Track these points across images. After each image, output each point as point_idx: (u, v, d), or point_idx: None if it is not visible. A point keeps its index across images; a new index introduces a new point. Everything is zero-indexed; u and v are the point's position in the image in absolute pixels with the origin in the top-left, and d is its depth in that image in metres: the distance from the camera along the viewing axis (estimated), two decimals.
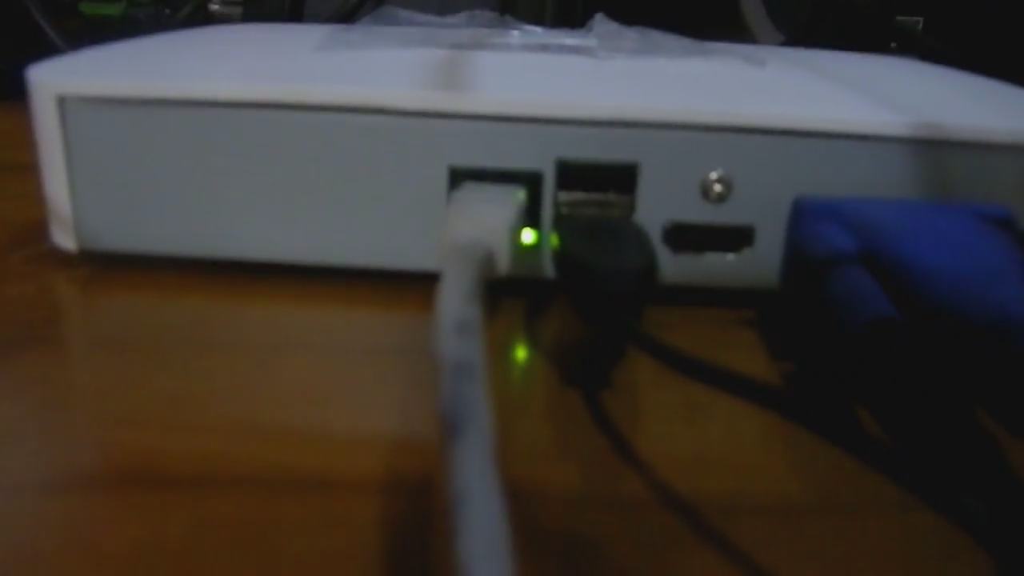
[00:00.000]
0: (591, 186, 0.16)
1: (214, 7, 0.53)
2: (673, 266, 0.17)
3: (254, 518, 0.10)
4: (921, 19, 0.53)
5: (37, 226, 0.18)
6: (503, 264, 0.13)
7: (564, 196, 0.16)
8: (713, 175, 0.16)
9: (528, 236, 0.16)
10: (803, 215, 0.15)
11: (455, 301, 0.10)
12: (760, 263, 0.16)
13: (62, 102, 0.16)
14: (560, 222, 0.16)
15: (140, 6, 0.53)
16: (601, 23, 0.25)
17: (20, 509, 0.10)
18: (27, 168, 0.17)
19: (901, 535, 0.10)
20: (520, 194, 0.16)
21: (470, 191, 0.15)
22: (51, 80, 0.16)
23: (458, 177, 0.16)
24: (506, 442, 0.12)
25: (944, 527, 0.11)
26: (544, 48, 0.22)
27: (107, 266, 0.17)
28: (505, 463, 0.11)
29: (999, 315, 0.11)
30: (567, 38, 0.23)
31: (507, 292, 0.16)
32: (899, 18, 0.51)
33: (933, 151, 0.16)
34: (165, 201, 0.16)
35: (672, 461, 0.12)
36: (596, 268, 0.14)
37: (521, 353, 0.15)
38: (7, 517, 0.10)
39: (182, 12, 0.38)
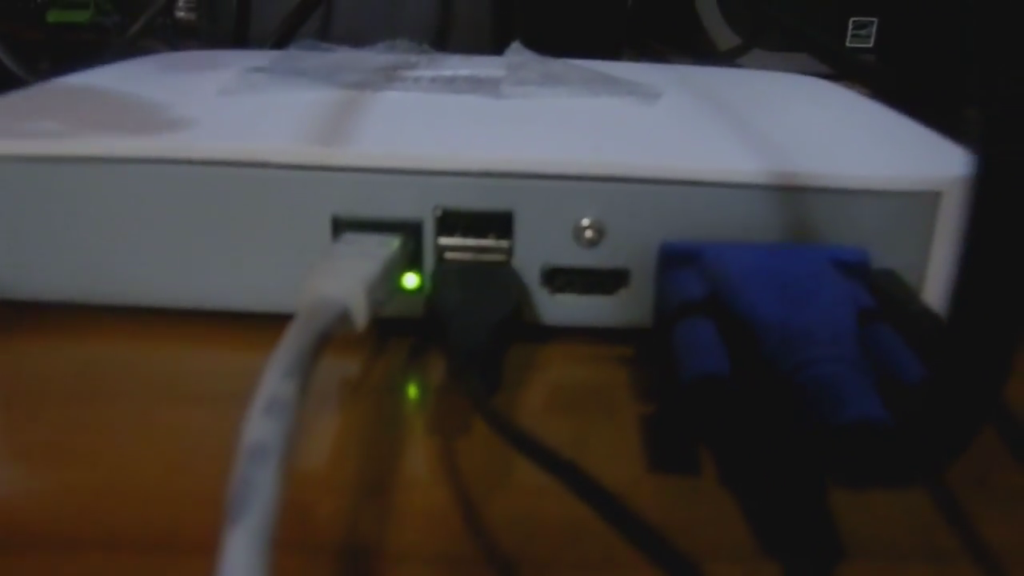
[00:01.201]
0: (470, 232, 0.17)
1: (180, 15, 0.53)
2: (552, 307, 0.17)
3: None
4: (875, 20, 0.54)
5: None
6: (360, 319, 0.14)
7: (445, 241, 0.17)
8: (585, 221, 0.16)
9: (412, 280, 0.17)
10: (667, 259, 0.16)
11: (275, 374, 0.11)
12: (636, 303, 0.17)
13: None
14: (437, 268, 0.17)
15: (106, 14, 0.54)
16: (515, 52, 0.25)
17: None
18: None
19: None
20: (395, 243, 0.16)
21: (347, 244, 0.16)
22: None
23: (340, 226, 0.17)
24: (358, 485, 0.13)
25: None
26: (450, 82, 0.22)
27: (10, 312, 0.18)
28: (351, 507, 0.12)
29: (808, 376, 0.12)
30: (478, 67, 0.24)
31: (396, 333, 0.17)
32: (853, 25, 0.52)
33: (794, 196, 0.16)
34: (61, 250, 0.17)
35: (500, 513, 0.12)
36: (453, 323, 0.14)
37: (391, 398, 0.16)
38: None
39: (133, 30, 0.39)
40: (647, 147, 0.17)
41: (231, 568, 0.08)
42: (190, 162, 0.16)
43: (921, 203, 0.16)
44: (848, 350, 0.13)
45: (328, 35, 0.36)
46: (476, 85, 0.22)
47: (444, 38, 0.36)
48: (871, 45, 0.53)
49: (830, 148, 0.18)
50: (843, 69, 0.34)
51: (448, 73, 0.23)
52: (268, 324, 0.17)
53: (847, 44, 0.52)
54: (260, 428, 0.10)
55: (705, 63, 0.50)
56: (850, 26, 0.53)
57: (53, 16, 0.52)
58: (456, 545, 0.12)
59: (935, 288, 0.17)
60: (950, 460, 0.10)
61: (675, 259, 0.16)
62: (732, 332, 0.14)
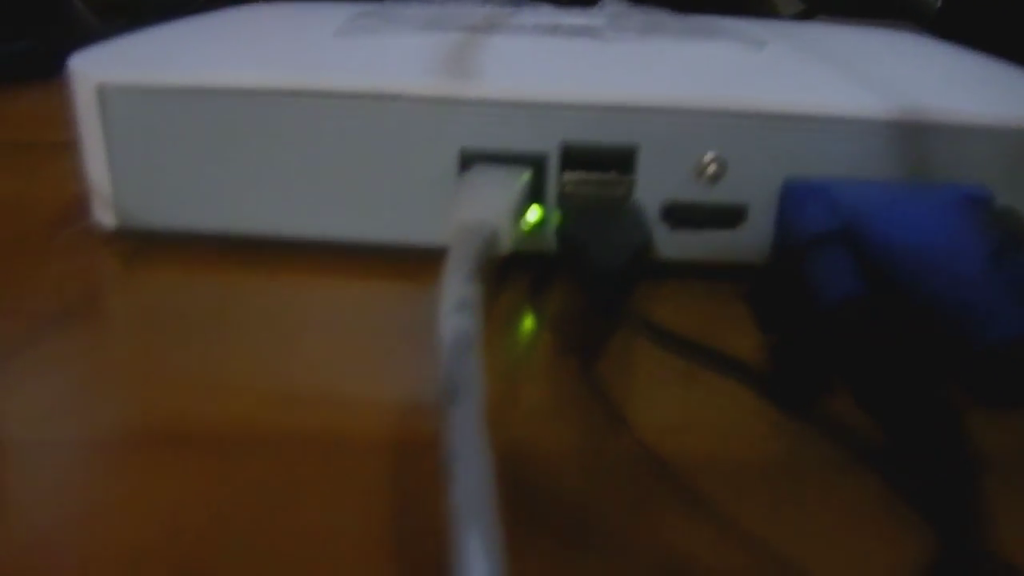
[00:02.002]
0: (593, 167, 0.17)
1: None
2: (670, 243, 0.18)
3: (277, 476, 0.11)
4: None
5: (79, 204, 0.19)
6: (506, 243, 0.15)
7: (568, 176, 0.17)
8: (708, 157, 0.17)
9: (533, 214, 0.18)
10: (792, 195, 0.16)
11: (456, 281, 0.11)
12: (753, 239, 0.17)
13: (102, 91, 0.17)
14: (563, 200, 0.17)
15: None
16: (611, 2, 0.25)
17: (74, 462, 0.12)
18: (63, 146, 0.19)
19: (865, 497, 0.12)
20: (525, 176, 0.17)
21: (478, 173, 0.16)
22: (91, 70, 0.17)
23: (468, 159, 0.17)
24: (504, 406, 0.13)
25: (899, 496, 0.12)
26: (554, 29, 0.23)
27: (144, 242, 0.18)
28: (502, 425, 0.12)
29: (954, 297, 0.12)
30: (577, 18, 0.24)
31: (514, 267, 0.18)
32: None
33: (917, 134, 0.16)
34: (198, 182, 0.18)
35: (658, 426, 0.13)
36: (592, 247, 0.15)
37: (524, 324, 0.16)
38: (63, 467, 0.11)
39: None
40: (768, 85, 0.18)
41: (458, 441, 0.09)
42: (325, 95, 0.17)
43: None
44: (988, 275, 0.13)
45: None
46: (580, 31, 0.22)
47: None
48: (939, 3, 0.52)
49: (948, 89, 0.18)
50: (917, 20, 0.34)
51: (549, 21, 0.23)
52: (393, 256, 0.18)
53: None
54: (456, 323, 0.10)
55: None
56: None
57: None
58: (613, 448, 0.12)
59: None
60: None
61: (799, 194, 0.16)
62: (867, 261, 0.14)
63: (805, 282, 0.14)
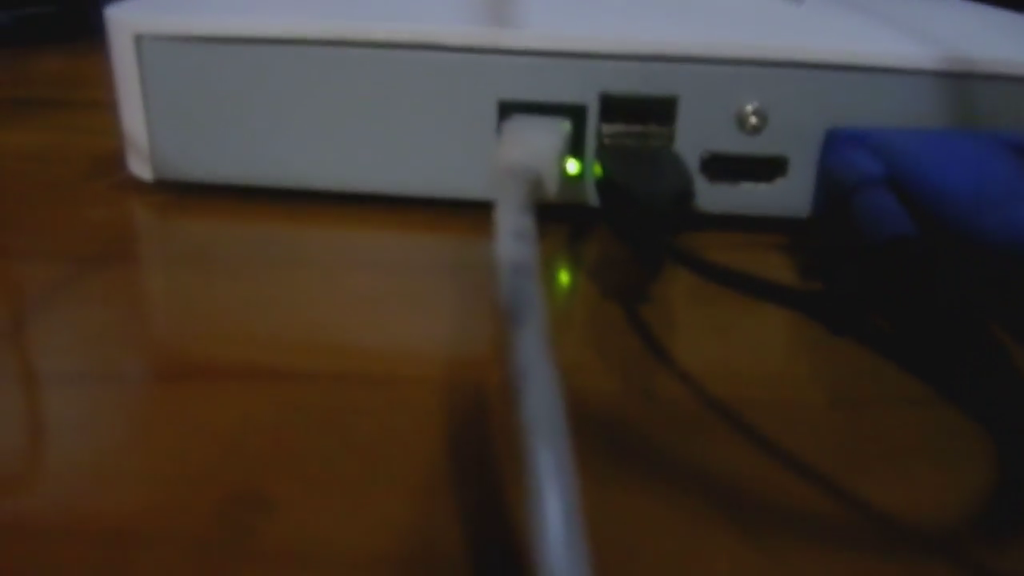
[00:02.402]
0: (632, 118, 0.17)
1: None
2: (709, 195, 0.17)
3: (329, 403, 0.11)
4: None
5: (114, 157, 0.19)
6: (551, 188, 0.14)
7: (607, 128, 0.17)
8: (749, 107, 0.17)
9: (572, 166, 0.17)
10: (835, 144, 0.16)
11: (511, 212, 0.11)
12: (793, 192, 0.17)
13: (139, 40, 0.17)
14: (603, 151, 0.17)
15: None
16: None
17: (134, 394, 0.12)
18: (99, 104, 0.19)
19: (911, 427, 0.12)
20: (566, 125, 0.17)
21: (520, 121, 0.16)
22: (128, 20, 0.17)
23: (507, 110, 0.17)
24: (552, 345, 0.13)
25: (952, 421, 0.12)
26: None
27: (181, 193, 0.18)
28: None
29: (1012, 233, 0.12)
30: None
31: (552, 217, 0.18)
32: None
33: (960, 83, 0.16)
34: (234, 133, 0.18)
35: (702, 367, 0.13)
36: (636, 190, 0.15)
37: (565, 271, 0.16)
38: (123, 400, 0.11)
39: None
40: (808, 34, 0.17)
41: (527, 358, 0.09)
42: (364, 44, 0.17)
43: None
44: None
45: None
46: None
47: None
48: None
49: (992, 40, 0.18)
50: None
51: None
52: (437, 208, 0.18)
53: None
54: (515, 249, 0.10)
55: None
56: None
57: None
58: (660, 383, 0.12)
59: None
60: None
61: (843, 143, 0.16)
62: (916, 206, 0.14)
63: (852, 226, 0.14)
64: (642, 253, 0.15)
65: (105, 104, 0.18)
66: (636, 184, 0.15)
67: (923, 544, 0.09)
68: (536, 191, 0.14)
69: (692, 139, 0.17)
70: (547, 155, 0.14)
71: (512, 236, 0.10)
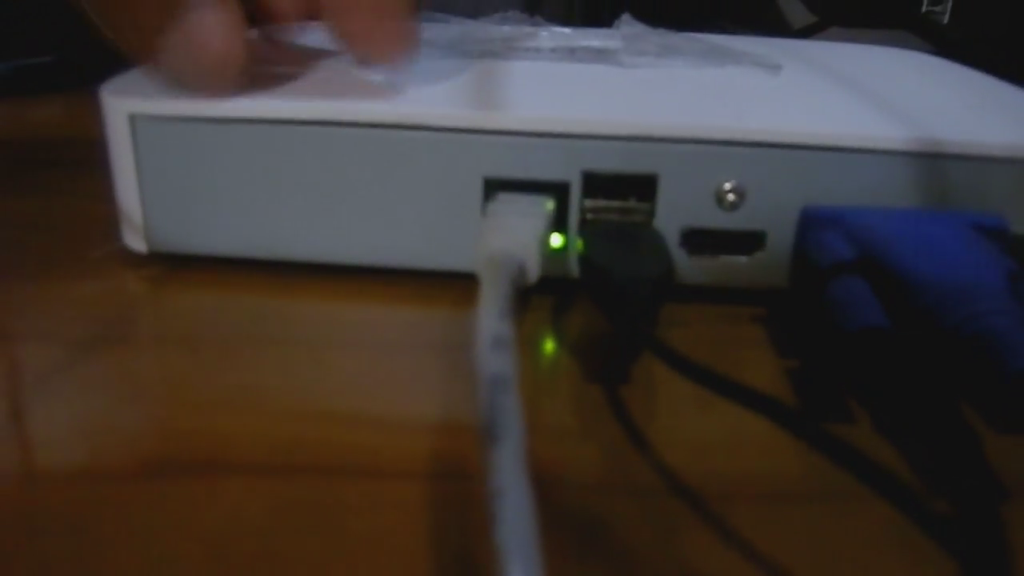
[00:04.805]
0: (614, 194, 0.18)
1: None
2: (690, 268, 0.18)
3: (318, 500, 0.12)
4: None
5: (108, 221, 0.19)
6: (533, 273, 0.15)
7: (589, 203, 0.18)
8: (727, 185, 0.17)
9: (556, 240, 0.18)
10: (810, 224, 0.17)
11: (491, 318, 0.12)
12: (771, 265, 0.18)
13: (133, 120, 0.18)
14: (585, 228, 0.17)
15: None
16: (627, 24, 0.26)
17: (118, 494, 0.12)
18: (94, 163, 0.19)
19: (887, 522, 0.12)
20: (548, 204, 0.17)
21: (503, 203, 0.17)
22: (123, 100, 0.18)
23: (492, 187, 0.17)
24: (532, 429, 0.13)
25: (926, 515, 0.12)
26: (572, 52, 0.23)
27: (174, 266, 0.19)
28: (531, 448, 0.13)
29: (976, 329, 0.13)
30: (594, 39, 0.24)
31: (537, 291, 0.18)
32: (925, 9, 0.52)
33: (932, 163, 0.17)
34: (227, 208, 0.18)
35: (682, 450, 0.13)
36: (616, 275, 0.15)
37: (549, 349, 0.17)
38: (107, 501, 0.12)
39: None
40: (784, 113, 0.18)
41: (502, 480, 0.09)
42: (350, 124, 0.17)
43: None
44: (1009, 304, 0.13)
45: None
46: (597, 55, 0.22)
47: (534, 9, 0.36)
48: (947, 17, 0.52)
49: (962, 117, 0.19)
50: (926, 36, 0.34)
51: (567, 44, 0.24)
52: (423, 280, 0.18)
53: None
54: (494, 361, 0.11)
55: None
56: (925, 2, 0.52)
57: None
58: (639, 473, 0.13)
59: None
60: None
61: (817, 222, 0.17)
62: (885, 291, 0.15)
63: (824, 311, 0.15)
64: (622, 335, 0.15)
65: (100, 161, 0.18)
66: (616, 268, 0.15)
67: None
68: (519, 278, 0.14)
69: (672, 214, 0.18)
70: (529, 242, 0.15)
71: (491, 345, 0.11)
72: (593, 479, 0.13)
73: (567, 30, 0.25)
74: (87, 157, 0.25)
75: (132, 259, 0.19)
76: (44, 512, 0.12)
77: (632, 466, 0.13)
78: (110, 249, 0.19)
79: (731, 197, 0.17)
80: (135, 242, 0.19)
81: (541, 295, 0.18)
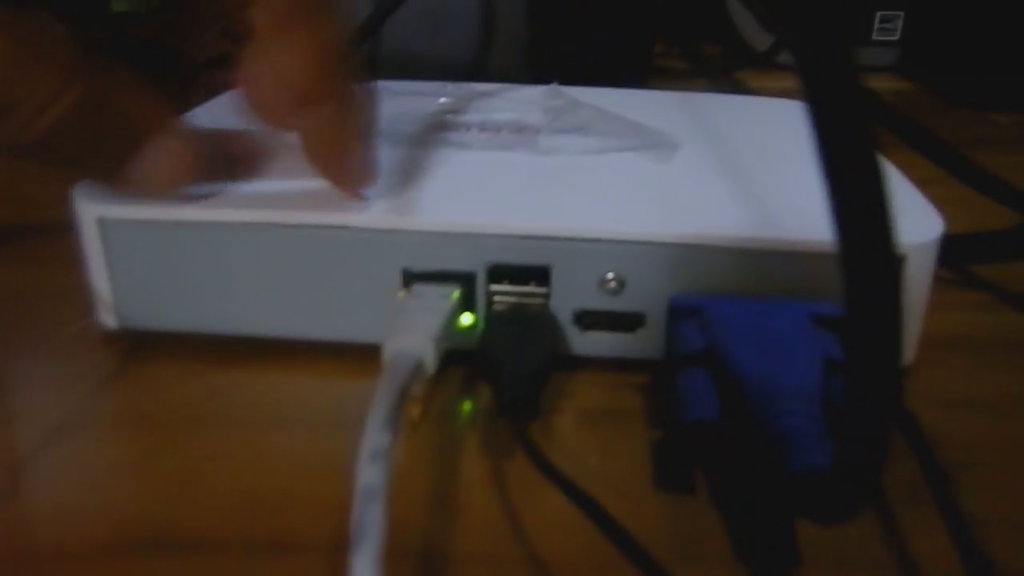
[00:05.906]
0: (515, 281, 0.21)
1: None
2: (582, 342, 0.21)
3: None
4: (902, 13, 0.56)
5: (83, 293, 0.22)
6: (431, 367, 0.18)
7: (494, 287, 0.21)
8: (609, 275, 0.20)
9: (468, 319, 0.21)
10: (674, 312, 0.20)
11: (374, 428, 0.15)
12: (651, 340, 0.21)
13: (102, 223, 0.21)
14: (488, 314, 0.20)
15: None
16: (553, 94, 0.29)
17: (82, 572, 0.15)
18: (65, 230, 0.22)
19: None
20: (455, 294, 0.20)
21: (414, 296, 0.20)
22: (92, 205, 0.21)
23: (409, 277, 0.20)
24: (406, 499, 0.17)
25: None
26: (497, 132, 0.26)
27: (140, 341, 0.22)
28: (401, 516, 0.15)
29: (779, 427, 0.16)
30: (520, 110, 0.27)
31: (453, 362, 0.21)
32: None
33: (776, 258, 0.20)
34: (187, 292, 0.21)
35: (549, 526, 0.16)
36: (502, 368, 0.18)
37: (453, 418, 0.20)
38: None
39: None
40: (659, 211, 0.21)
41: None
42: (288, 227, 0.20)
43: None
44: (811, 404, 0.16)
45: (376, 60, 0.40)
46: (518, 137, 0.25)
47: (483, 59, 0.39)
48: (897, 38, 0.54)
49: (809, 208, 0.21)
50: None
51: (495, 118, 0.27)
52: (354, 353, 0.21)
53: (874, 38, 0.54)
54: (368, 474, 0.14)
55: (743, 63, 0.52)
56: (877, 20, 0.55)
57: (118, 6, 0.54)
58: (503, 549, 0.16)
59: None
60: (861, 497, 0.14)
61: (681, 311, 0.20)
62: (724, 381, 0.17)
63: (674, 396, 0.18)
64: (509, 413, 0.18)
65: (68, 230, 0.21)
66: (504, 360, 0.18)
67: None
68: (417, 374, 0.17)
69: (565, 298, 0.21)
70: (428, 337, 0.18)
71: (368, 458, 0.14)
72: (462, 550, 0.16)
73: (497, 98, 0.28)
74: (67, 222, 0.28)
75: (103, 334, 0.22)
76: None
77: (502, 538, 0.16)
78: (84, 323, 0.22)
79: (612, 285, 0.20)
80: (107, 319, 0.22)
81: (457, 366, 0.21)
